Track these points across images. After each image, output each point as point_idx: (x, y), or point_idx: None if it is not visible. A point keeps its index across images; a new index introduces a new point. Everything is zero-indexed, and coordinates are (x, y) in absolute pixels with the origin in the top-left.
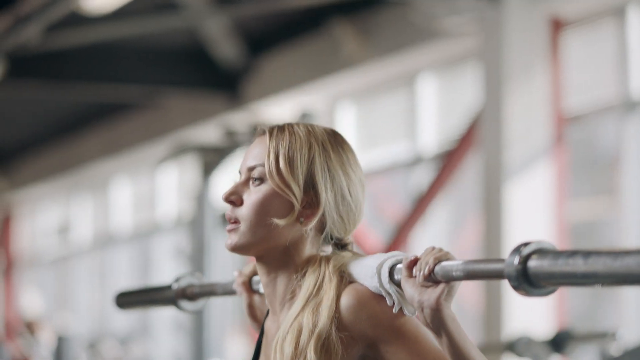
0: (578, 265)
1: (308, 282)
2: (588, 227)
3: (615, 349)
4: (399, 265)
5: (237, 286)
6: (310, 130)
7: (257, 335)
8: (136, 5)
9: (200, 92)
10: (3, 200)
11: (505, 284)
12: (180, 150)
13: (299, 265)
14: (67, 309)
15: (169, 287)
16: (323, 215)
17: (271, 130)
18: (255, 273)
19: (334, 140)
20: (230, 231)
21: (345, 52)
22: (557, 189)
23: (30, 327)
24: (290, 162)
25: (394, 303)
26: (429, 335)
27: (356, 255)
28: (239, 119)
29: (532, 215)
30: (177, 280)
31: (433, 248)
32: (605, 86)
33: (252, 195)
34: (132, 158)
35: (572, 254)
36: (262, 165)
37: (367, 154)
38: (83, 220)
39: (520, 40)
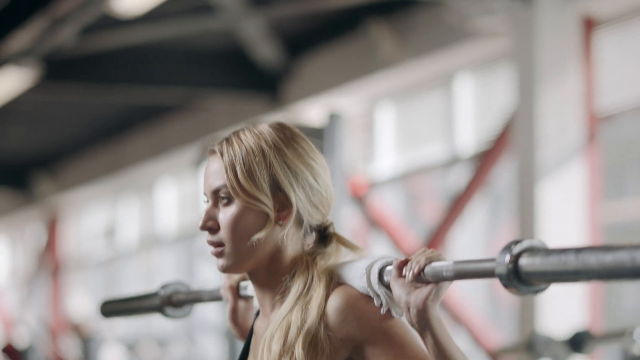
0: (570, 261)
1: (298, 283)
2: (622, 228)
3: (638, 348)
4: (389, 267)
5: (224, 290)
6: (258, 133)
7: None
8: (171, 7)
9: (240, 94)
10: (50, 203)
11: None
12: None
13: (287, 266)
14: None
15: (155, 295)
16: (298, 211)
17: (220, 147)
18: (243, 279)
19: (284, 136)
20: (216, 255)
21: (382, 53)
22: (591, 189)
23: (77, 330)
24: (249, 175)
25: (381, 305)
26: (416, 339)
27: (340, 245)
28: (273, 120)
29: (566, 216)
30: (163, 287)
31: (425, 249)
32: (639, 85)
33: (226, 216)
34: (177, 160)
35: (564, 251)
36: (225, 185)
37: (405, 154)
38: (129, 222)
39: (553, 40)
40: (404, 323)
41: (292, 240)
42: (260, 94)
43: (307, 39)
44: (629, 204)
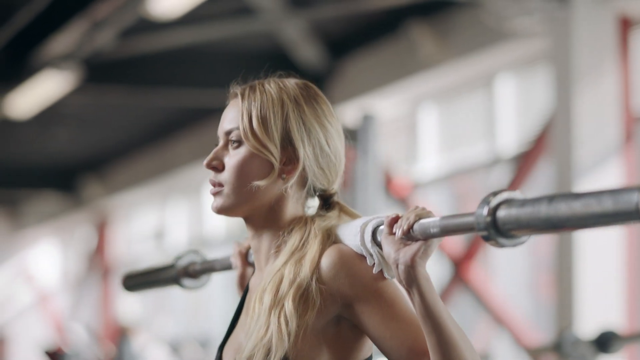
0: (543, 210)
1: (294, 238)
2: None
3: None
4: (382, 227)
5: (234, 256)
6: (282, 86)
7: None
8: (209, 9)
9: None
10: (99, 206)
11: (578, 278)
12: None
13: (284, 222)
14: (164, 313)
15: (171, 266)
16: (304, 169)
17: (243, 91)
18: None
19: (307, 94)
20: (214, 194)
21: (423, 54)
22: None
23: (126, 333)
24: (263, 122)
25: (374, 264)
26: (406, 300)
27: (343, 214)
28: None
29: None
30: (178, 258)
31: (416, 207)
32: None
33: (232, 159)
34: None
35: (538, 200)
36: (238, 128)
37: (447, 155)
38: (178, 224)
39: (590, 40)
40: (396, 284)
41: (293, 199)
42: None
43: (348, 40)
44: None
